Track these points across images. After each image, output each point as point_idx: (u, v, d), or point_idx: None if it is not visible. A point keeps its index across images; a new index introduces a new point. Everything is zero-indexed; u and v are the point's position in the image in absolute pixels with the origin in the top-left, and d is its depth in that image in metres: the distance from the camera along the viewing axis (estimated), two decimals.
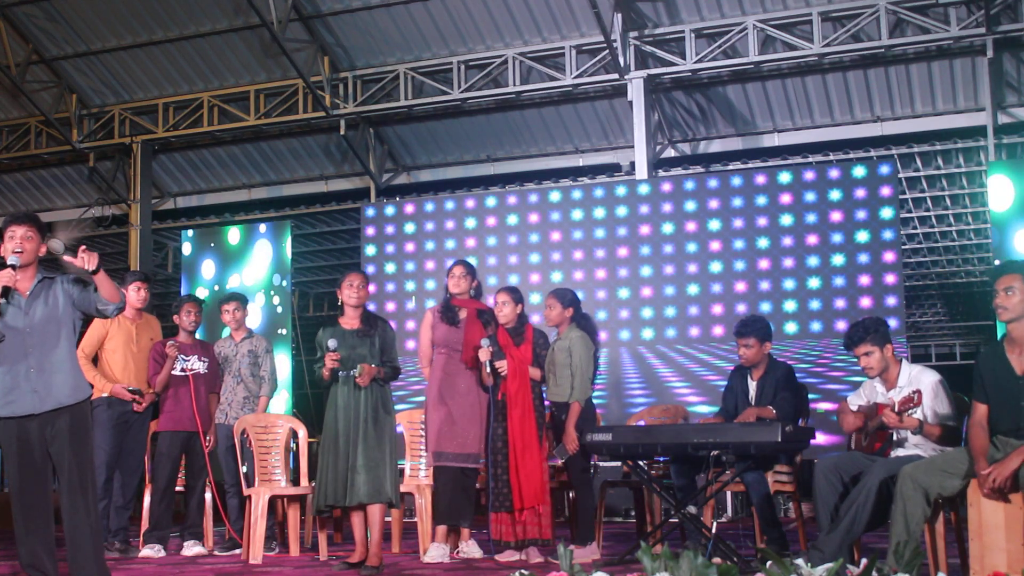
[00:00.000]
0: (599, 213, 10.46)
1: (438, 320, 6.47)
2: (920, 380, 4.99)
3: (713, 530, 5.45)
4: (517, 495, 6.09)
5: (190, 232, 12.37)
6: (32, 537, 4.42)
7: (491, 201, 11.05)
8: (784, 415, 5.80)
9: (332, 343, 5.83)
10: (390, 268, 10.97)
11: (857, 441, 5.24)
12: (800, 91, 11.17)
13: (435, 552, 6.11)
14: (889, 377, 5.12)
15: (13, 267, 4.39)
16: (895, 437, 5.02)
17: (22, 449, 4.46)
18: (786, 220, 9.84)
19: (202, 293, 11.35)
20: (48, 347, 4.47)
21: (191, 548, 6.89)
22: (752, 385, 6.10)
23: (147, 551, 6.75)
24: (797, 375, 6.24)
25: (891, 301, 9.38)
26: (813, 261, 9.71)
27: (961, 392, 5.02)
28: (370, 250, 11.20)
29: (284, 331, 11.36)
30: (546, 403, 6.42)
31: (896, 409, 4.81)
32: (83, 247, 4.39)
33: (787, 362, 6.31)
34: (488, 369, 6.18)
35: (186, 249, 12.12)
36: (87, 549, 4.41)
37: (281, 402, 10.83)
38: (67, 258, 4.43)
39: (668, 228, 10.19)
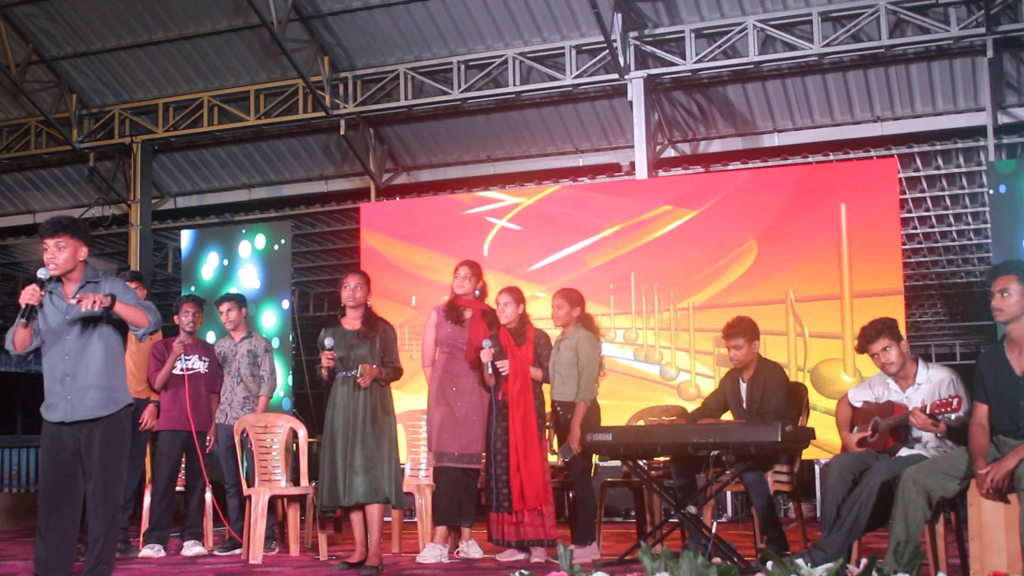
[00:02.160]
0: (599, 213, 10.45)
1: (442, 319, 6.49)
2: (939, 378, 4.99)
3: (713, 530, 5.45)
4: (518, 496, 6.09)
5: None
6: (51, 536, 4.42)
7: (491, 201, 11.05)
8: (777, 415, 5.79)
9: (328, 342, 5.86)
10: (389, 268, 10.95)
11: (861, 438, 5.20)
12: (800, 91, 11.17)
13: (429, 553, 6.11)
14: (906, 374, 5.10)
15: (41, 282, 4.33)
16: (911, 435, 5.00)
17: (54, 452, 4.46)
18: (786, 220, 9.82)
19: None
20: (86, 355, 4.43)
21: (191, 548, 6.90)
22: (743, 387, 6.09)
23: (147, 551, 6.76)
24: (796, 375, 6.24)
25: (892, 301, 9.36)
26: None
27: None
28: (369, 250, 11.19)
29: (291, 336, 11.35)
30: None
31: (929, 411, 4.80)
32: (80, 295, 4.28)
33: (779, 363, 6.30)
34: (490, 370, 6.19)
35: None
36: (94, 557, 4.42)
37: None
38: (73, 302, 4.36)
39: (668, 228, 10.18)
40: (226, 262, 11.59)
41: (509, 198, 10.95)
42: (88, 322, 4.43)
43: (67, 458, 4.43)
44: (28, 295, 4.30)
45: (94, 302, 4.24)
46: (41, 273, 4.36)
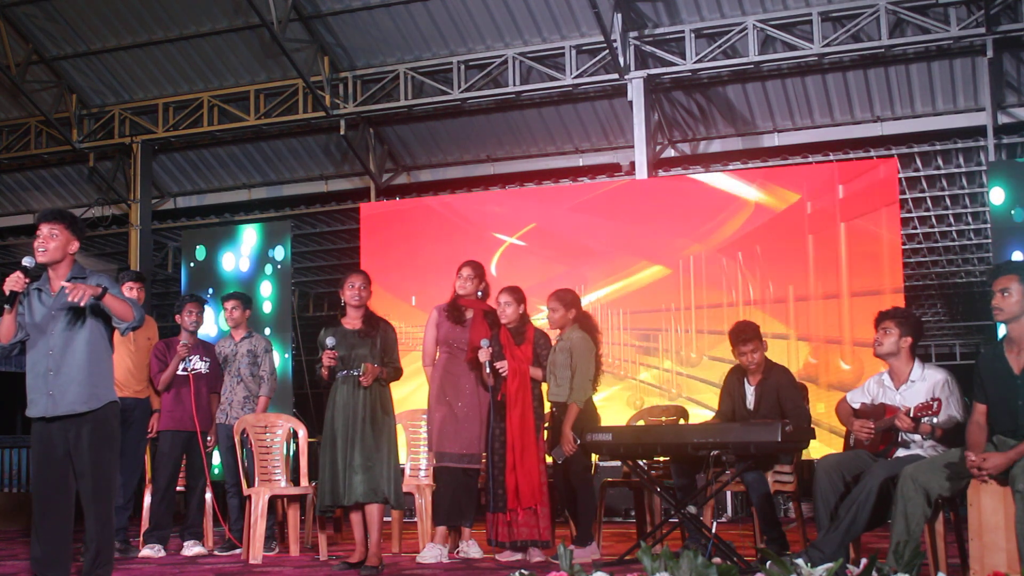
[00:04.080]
0: (599, 213, 10.45)
1: (443, 319, 6.48)
2: (934, 378, 5.00)
3: (713, 530, 5.45)
4: (513, 495, 6.09)
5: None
6: (45, 536, 4.41)
7: (491, 201, 11.04)
8: (801, 416, 5.77)
9: (330, 341, 5.86)
10: (389, 268, 10.95)
11: (865, 437, 5.20)
12: (800, 91, 11.17)
13: (429, 553, 6.11)
14: (900, 372, 5.12)
15: (25, 269, 4.31)
16: (900, 438, 5.02)
17: (43, 450, 4.44)
18: (786, 220, 9.82)
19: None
20: (69, 351, 4.41)
21: (191, 548, 6.90)
22: (750, 390, 6.05)
23: (147, 551, 6.76)
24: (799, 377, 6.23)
25: (892, 301, 9.36)
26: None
27: (961, 392, 5.03)
28: (370, 250, 11.20)
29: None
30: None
31: (912, 414, 4.82)
32: (68, 285, 4.25)
33: (785, 366, 6.29)
34: (488, 370, 6.18)
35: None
36: (91, 559, 4.41)
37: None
38: (66, 285, 4.32)
39: (668, 228, 10.18)
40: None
41: (508, 198, 10.91)
42: (73, 318, 4.42)
43: (57, 458, 4.42)
44: (12, 282, 4.29)
45: (84, 294, 4.20)
46: (26, 261, 4.35)
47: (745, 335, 6.01)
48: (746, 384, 6.07)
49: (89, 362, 4.44)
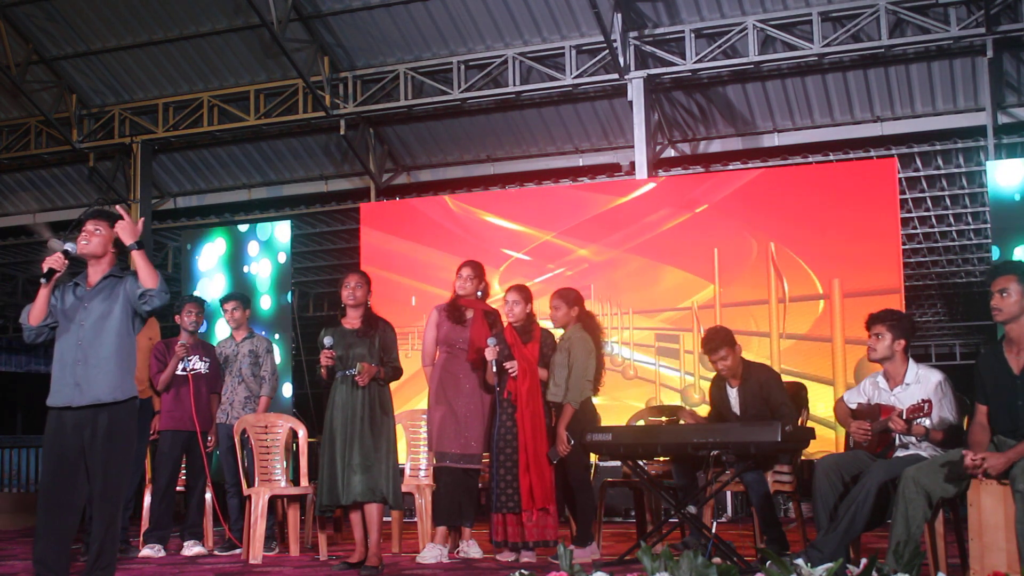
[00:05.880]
0: (599, 213, 10.45)
1: (444, 319, 6.47)
2: (929, 379, 5.00)
3: (713, 530, 5.45)
4: (528, 496, 6.07)
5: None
6: (49, 534, 4.40)
7: (491, 201, 11.04)
8: (789, 414, 5.76)
9: (327, 341, 5.87)
10: (389, 268, 10.96)
11: (862, 438, 5.20)
12: (800, 91, 11.17)
13: (429, 553, 6.11)
14: (895, 373, 5.12)
15: (66, 252, 4.42)
16: (898, 439, 5.02)
17: (57, 445, 4.44)
18: (786, 221, 9.83)
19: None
20: (99, 342, 4.45)
21: (191, 548, 6.90)
22: (733, 394, 6.03)
23: (147, 551, 6.76)
24: (797, 378, 6.22)
25: (891, 301, 9.36)
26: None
27: (960, 392, 5.03)
28: (370, 250, 11.20)
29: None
30: None
31: (904, 416, 4.81)
32: (127, 220, 4.44)
33: (764, 363, 6.26)
34: (494, 368, 6.16)
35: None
36: (92, 560, 4.40)
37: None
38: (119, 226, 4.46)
39: (668, 228, 10.18)
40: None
41: (508, 198, 10.90)
42: (105, 311, 4.48)
43: (70, 456, 4.40)
44: (53, 260, 4.39)
45: (129, 224, 4.41)
46: (68, 246, 4.46)
47: (713, 343, 5.95)
48: (728, 388, 6.06)
49: (117, 354, 4.48)
